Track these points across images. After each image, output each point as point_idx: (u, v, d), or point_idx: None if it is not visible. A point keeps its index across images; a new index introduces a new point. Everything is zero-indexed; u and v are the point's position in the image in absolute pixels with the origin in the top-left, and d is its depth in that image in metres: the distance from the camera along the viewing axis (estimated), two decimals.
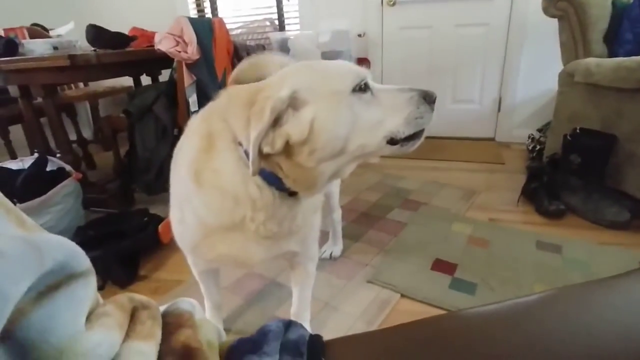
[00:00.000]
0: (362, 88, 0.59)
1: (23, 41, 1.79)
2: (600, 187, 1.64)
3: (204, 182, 0.63)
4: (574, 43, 1.87)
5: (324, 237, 1.51)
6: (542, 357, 0.29)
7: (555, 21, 1.94)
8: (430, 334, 0.34)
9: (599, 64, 1.64)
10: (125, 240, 1.44)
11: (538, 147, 2.26)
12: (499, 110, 2.77)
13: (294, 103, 0.56)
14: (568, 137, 1.70)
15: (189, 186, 0.65)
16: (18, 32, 1.90)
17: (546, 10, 1.93)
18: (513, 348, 0.30)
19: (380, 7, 2.74)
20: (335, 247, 1.46)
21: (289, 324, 0.36)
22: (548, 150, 1.97)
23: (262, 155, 0.56)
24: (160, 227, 1.50)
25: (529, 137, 2.42)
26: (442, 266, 1.35)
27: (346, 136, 0.57)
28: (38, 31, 2.07)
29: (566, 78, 1.84)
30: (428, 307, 1.16)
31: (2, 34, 1.86)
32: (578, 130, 1.68)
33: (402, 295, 1.22)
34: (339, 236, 1.47)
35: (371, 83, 0.61)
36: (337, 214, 1.42)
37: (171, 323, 0.32)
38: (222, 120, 0.61)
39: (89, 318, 0.25)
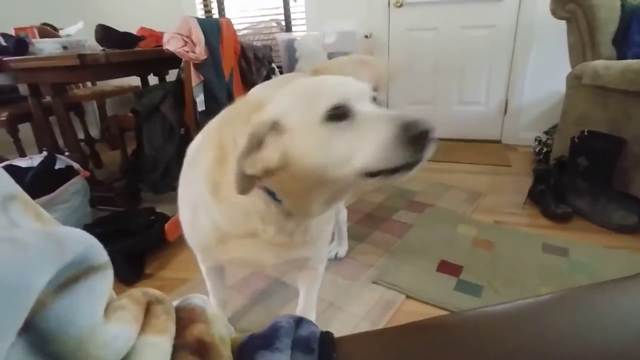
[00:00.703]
0: (337, 115, 0.51)
1: (33, 40, 1.80)
2: (607, 190, 1.63)
3: (219, 195, 0.64)
4: (582, 45, 1.86)
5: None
6: (551, 357, 0.29)
7: (563, 23, 1.93)
8: (440, 332, 0.34)
9: (608, 66, 1.63)
10: (131, 239, 1.45)
11: (545, 149, 2.25)
12: (505, 112, 2.76)
13: (276, 127, 0.54)
14: (575, 139, 1.69)
15: (206, 196, 0.65)
16: (28, 31, 1.91)
17: (554, 12, 1.92)
18: (522, 348, 0.30)
19: (387, 9, 2.75)
20: (341, 247, 1.46)
21: (299, 321, 0.36)
22: (555, 153, 1.96)
23: (248, 176, 0.55)
24: (166, 225, 1.51)
25: (535, 140, 2.41)
26: (447, 268, 1.34)
27: (317, 168, 0.53)
28: (48, 30, 2.09)
29: (574, 80, 1.83)
30: (433, 308, 1.16)
31: (13, 33, 1.88)
32: (586, 133, 1.67)
33: (407, 297, 1.22)
34: (345, 237, 1.47)
35: (353, 105, 0.53)
36: (343, 215, 1.43)
37: (184, 318, 0.32)
38: (231, 132, 0.62)
39: (105, 311, 0.26)
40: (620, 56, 1.80)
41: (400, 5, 2.72)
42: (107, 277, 0.26)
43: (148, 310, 0.30)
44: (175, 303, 0.34)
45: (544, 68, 2.55)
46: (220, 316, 0.36)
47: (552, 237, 1.51)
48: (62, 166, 1.66)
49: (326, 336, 0.35)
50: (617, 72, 1.57)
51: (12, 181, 0.28)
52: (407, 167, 0.50)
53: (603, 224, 1.59)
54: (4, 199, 0.26)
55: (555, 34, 2.27)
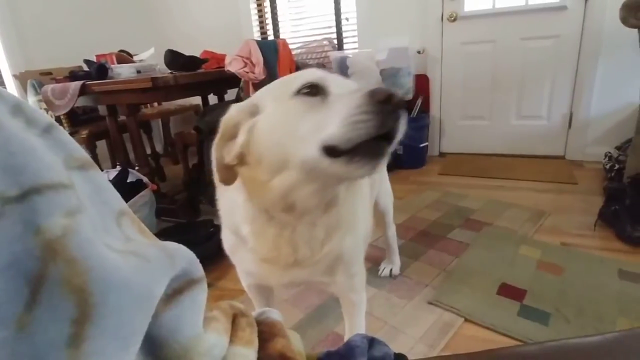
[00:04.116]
0: (307, 92, 0.52)
1: (112, 66, 2.00)
2: None
3: (221, 189, 0.68)
4: None
5: (381, 254, 1.49)
6: None
7: (634, 31, 1.79)
8: None
9: None
10: (192, 249, 1.52)
11: (617, 166, 2.07)
12: (569, 126, 2.60)
13: (254, 111, 0.56)
14: None
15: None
16: (108, 57, 2.13)
17: (625, 21, 1.79)
18: None
19: (440, 23, 2.72)
20: (394, 265, 1.44)
21: (371, 341, 0.37)
22: (629, 170, 1.80)
23: (226, 165, 0.57)
24: None
25: (605, 156, 2.23)
26: (509, 291, 1.27)
27: (282, 142, 0.51)
28: (124, 56, 2.30)
29: None
30: (495, 334, 1.10)
31: (95, 60, 2.10)
32: None
33: (466, 320, 1.17)
34: (396, 253, 1.45)
35: (330, 88, 0.52)
36: (392, 230, 1.40)
37: (265, 331, 0.34)
38: None
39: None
40: None
41: (455, 20, 2.67)
42: (204, 290, 0.29)
43: (234, 322, 0.32)
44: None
45: (613, 79, 2.37)
46: (294, 333, 0.37)
47: (629, 262, 1.39)
48: (133, 179, 1.81)
49: (400, 358, 0.35)
50: None
51: (121, 198, 0.31)
52: (373, 150, 0.46)
53: None
54: (118, 215, 0.29)
55: (625, 43, 2.11)
